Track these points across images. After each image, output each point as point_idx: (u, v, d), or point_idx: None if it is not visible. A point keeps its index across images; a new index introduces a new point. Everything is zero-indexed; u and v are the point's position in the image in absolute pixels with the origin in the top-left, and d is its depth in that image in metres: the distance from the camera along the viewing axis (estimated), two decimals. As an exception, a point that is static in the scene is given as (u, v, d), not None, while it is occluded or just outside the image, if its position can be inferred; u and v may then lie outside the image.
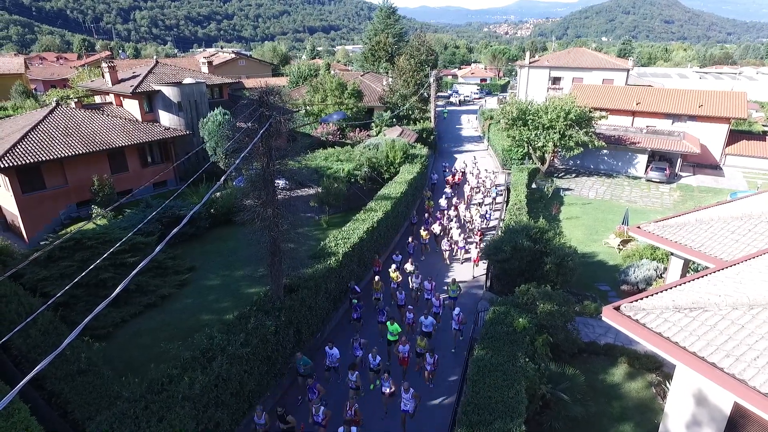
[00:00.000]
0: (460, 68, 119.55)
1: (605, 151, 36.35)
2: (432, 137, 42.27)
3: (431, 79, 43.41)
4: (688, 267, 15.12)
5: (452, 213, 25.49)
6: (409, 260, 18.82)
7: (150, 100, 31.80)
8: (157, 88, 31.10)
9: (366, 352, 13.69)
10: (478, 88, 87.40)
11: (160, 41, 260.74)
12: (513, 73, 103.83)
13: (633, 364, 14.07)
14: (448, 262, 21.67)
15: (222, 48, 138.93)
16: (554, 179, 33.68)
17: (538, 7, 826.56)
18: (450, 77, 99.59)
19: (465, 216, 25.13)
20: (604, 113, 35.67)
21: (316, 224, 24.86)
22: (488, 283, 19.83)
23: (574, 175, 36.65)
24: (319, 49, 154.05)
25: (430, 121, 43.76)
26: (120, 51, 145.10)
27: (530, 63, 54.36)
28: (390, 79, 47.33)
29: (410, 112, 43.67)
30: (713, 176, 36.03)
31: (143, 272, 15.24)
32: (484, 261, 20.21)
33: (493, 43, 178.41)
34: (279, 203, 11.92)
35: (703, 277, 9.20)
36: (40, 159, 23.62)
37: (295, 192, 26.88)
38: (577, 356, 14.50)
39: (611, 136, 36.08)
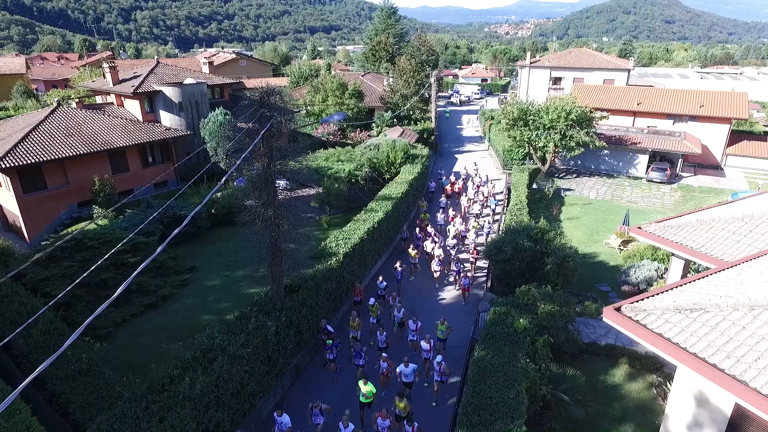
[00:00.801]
0: (460, 68, 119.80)
1: (606, 151, 36.31)
2: (433, 137, 42.30)
3: (432, 80, 43.40)
4: (689, 268, 15.08)
5: (450, 229, 22.73)
6: (393, 294, 17.07)
7: (151, 101, 31.84)
8: (158, 88, 31.14)
9: (328, 418, 11.19)
10: (479, 88, 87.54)
11: (161, 41, 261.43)
12: (514, 74, 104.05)
13: (634, 365, 14.07)
14: (437, 285, 19.80)
15: (223, 48, 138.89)
16: (555, 179, 33.63)
17: (539, 7, 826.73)
18: (451, 77, 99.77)
19: (460, 231, 22.72)
20: (604, 113, 35.69)
21: (317, 224, 24.88)
22: (489, 284, 19.86)
23: (574, 175, 36.61)
24: (319, 49, 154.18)
25: (431, 122, 43.77)
26: (121, 51, 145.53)
27: (531, 63, 54.32)
28: (391, 80, 47.36)
29: (411, 113, 43.72)
30: (714, 177, 35.97)
31: (144, 272, 15.22)
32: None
33: (494, 44, 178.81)
34: (280, 204, 11.92)
35: (704, 277, 9.18)
36: (41, 159, 23.64)
37: (295, 192, 26.80)
38: (578, 357, 14.50)
39: (612, 136, 36.05)
